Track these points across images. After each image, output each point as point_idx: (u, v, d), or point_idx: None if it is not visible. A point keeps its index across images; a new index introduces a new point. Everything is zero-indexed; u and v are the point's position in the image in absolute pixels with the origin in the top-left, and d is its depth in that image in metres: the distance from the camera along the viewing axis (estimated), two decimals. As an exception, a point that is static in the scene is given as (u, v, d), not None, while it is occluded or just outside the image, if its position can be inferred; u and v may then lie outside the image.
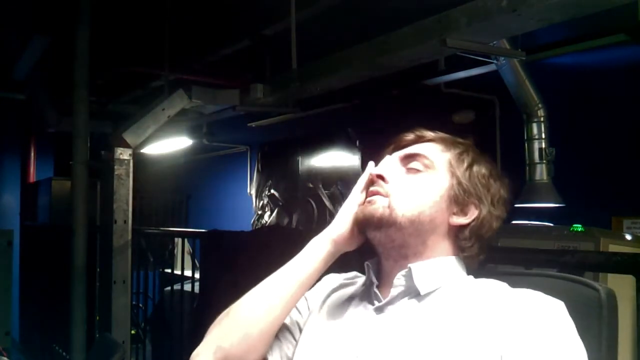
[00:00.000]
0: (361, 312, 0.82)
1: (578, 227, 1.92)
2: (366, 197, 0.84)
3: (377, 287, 0.82)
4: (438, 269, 0.79)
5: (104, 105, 3.94)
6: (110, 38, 3.06)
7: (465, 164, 0.82)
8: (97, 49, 2.63)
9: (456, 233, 0.81)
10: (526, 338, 0.66)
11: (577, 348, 0.67)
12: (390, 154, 0.87)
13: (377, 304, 0.80)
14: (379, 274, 0.84)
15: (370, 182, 0.85)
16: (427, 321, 0.73)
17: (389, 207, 0.79)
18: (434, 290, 0.77)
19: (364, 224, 0.82)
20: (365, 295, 0.85)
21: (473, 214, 0.81)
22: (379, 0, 2.48)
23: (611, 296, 0.78)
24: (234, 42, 3.17)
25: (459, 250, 0.82)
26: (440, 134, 0.87)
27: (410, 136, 0.87)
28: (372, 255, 0.86)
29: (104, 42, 2.94)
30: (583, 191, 2.77)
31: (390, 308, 0.79)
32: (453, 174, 0.81)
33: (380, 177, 0.82)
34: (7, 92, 3.98)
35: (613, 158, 2.77)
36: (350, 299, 0.86)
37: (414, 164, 0.82)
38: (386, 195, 0.81)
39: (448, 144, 0.84)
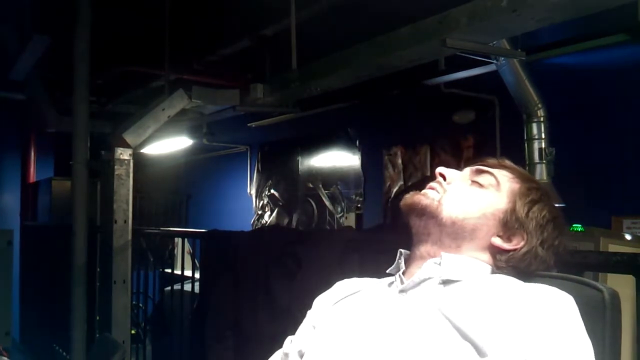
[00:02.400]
0: (383, 292, 0.85)
1: (578, 227, 1.93)
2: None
3: (403, 273, 0.85)
4: (467, 264, 0.81)
5: (104, 105, 3.95)
6: (110, 38, 3.06)
7: (529, 199, 0.84)
8: (97, 49, 2.63)
9: (494, 253, 0.83)
10: (534, 333, 0.68)
11: (583, 342, 0.69)
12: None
13: (401, 286, 0.82)
14: (406, 266, 0.87)
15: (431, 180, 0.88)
16: (446, 307, 0.75)
17: (438, 201, 0.83)
18: (456, 281, 0.79)
19: (408, 209, 0.85)
20: (388, 281, 0.87)
21: (517, 244, 0.82)
22: (378, 1, 2.48)
23: (615, 297, 0.79)
24: (234, 42, 3.17)
25: (493, 261, 0.84)
26: (521, 169, 0.90)
27: (492, 160, 0.89)
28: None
29: (104, 41, 2.94)
30: (583, 191, 2.77)
31: (412, 292, 0.81)
32: (513, 202, 0.83)
33: (442, 175, 0.86)
34: (6, 92, 3.99)
35: (613, 158, 2.78)
36: (370, 286, 0.89)
37: (480, 179, 0.85)
38: (439, 192, 0.84)
39: (522, 177, 0.87)
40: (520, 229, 0.82)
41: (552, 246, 0.84)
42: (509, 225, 0.82)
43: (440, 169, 0.87)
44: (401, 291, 0.81)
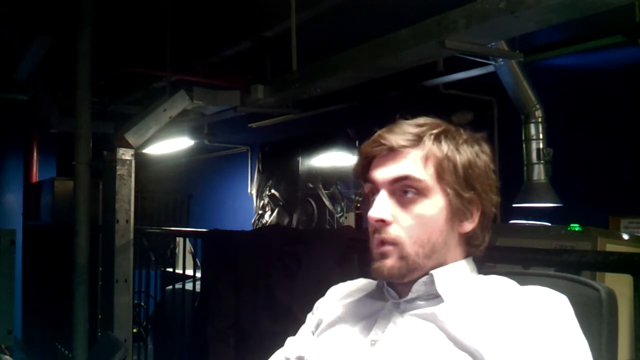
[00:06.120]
0: (378, 307, 0.84)
1: (575, 226, 1.93)
2: (375, 245, 0.80)
3: (394, 289, 0.85)
4: (456, 273, 0.80)
5: (106, 106, 3.95)
6: (113, 39, 3.08)
7: (456, 164, 0.79)
8: (99, 50, 2.64)
9: (466, 237, 0.82)
10: (529, 335, 0.68)
11: (579, 342, 0.69)
12: (365, 169, 0.83)
13: (394, 300, 0.83)
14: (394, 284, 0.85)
15: (373, 228, 0.81)
16: (441, 320, 0.75)
17: (402, 257, 0.78)
18: (448, 293, 0.79)
19: (385, 279, 0.83)
20: (380, 294, 0.87)
21: (477, 214, 0.81)
22: (378, 2, 2.49)
23: (611, 296, 0.79)
24: (235, 44, 3.18)
25: (471, 247, 0.83)
26: (409, 130, 0.81)
27: (382, 150, 0.81)
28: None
29: (106, 43, 2.96)
30: (580, 191, 2.79)
31: (408, 305, 0.81)
32: (449, 186, 0.78)
33: (382, 221, 0.79)
34: (9, 93, 4.00)
35: (610, 158, 2.79)
36: (363, 298, 0.89)
37: (407, 191, 0.79)
38: (395, 242, 0.78)
39: (425, 143, 0.79)
40: (472, 204, 0.80)
41: (493, 182, 0.82)
42: (461, 210, 0.79)
43: (374, 214, 0.79)
44: (395, 308, 0.82)
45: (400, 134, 0.80)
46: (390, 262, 0.78)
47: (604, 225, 2.69)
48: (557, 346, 0.67)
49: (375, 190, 0.81)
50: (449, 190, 0.78)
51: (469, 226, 0.81)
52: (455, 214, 0.79)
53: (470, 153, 0.80)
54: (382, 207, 0.79)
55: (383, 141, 0.80)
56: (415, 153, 0.79)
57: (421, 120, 0.83)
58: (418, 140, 0.80)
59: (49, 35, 2.80)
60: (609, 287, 0.81)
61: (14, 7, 2.86)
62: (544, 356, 0.66)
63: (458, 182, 0.78)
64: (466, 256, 0.84)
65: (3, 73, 3.57)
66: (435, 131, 0.81)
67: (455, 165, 0.79)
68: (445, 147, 0.79)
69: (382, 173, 0.80)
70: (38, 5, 2.82)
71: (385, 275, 0.79)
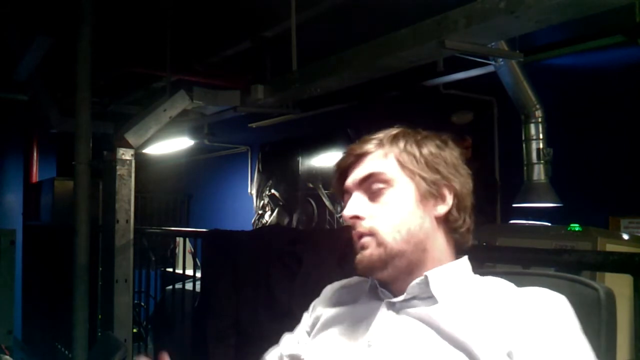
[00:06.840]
0: (374, 307, 0.85)
1: (575, 226, 1.94)
2: (355, 241, 0.84)
3: (388, 290, 0.85)
4: (450, 273, 0.81)
5: (106, 106, 3.95)
6: (113, 39, 3.08)
7: (415, 155, 0.83)
8: (99, 50, 2.64)
9: (444, 220, 0.84)
10: (530, 336, 0.69)
11: (580, 342, 0.69)
12: (340, 182, 0.88)
13: (389, 300, 0.83)
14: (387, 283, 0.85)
15: (351, 226, 0.84)
16: (436, 321, 0.75)
17: (380, 244, 0.81)
18: (443, 294, 0.79)
19: (369, 272, 0.84)
20: (375, 294, 0.87)
21: (450, 195, 0.83)
22: (378, 2, 2.49)
23: (610, 296, 0.80)
24: (235, 44, 3.19)
25: (453, 231, 0.84)
26: (372, 138, 0.87)
27: (350, 158, 0.87)
28: None
29: (106, 43, 2.96)
30: (580, 191, 2.79)
31: (403, 305, 0.81)
32: (412, 173, 0.82)
33: (356, 217, 0.83)
34: (9, 93, 4.00)
35: (610, 158, 2.79)
36: (359, 298, 0.89)
37: (373, 186, 0.83)
38: (371, 233, 0.81)
39: (385, 145, 0.85)
40: (440, 185, 0.82)
41: (459, 164, 0.86)
42: (431, 193, 0.82)
43: (348, 212, 0.83)
44: (390, 308, 0.82)
45: (365, 142, 0.87)
46: (369, 252, 0.81)
47: (604, 225, 2.69)
48: (561, 346, 0.67)
49: (349, 197, 0.86)
50: (413, 175, 0.82)
51: (443, 208, 0.83)
52: (425, 196, 0.82)
53: (430, 145, 0.85)
54: (354, 205, 0.84)
55: (351, 152, 0.87)
56: (376, 153, 0.85)
57: (385, 129, 0.89)
58: (379, 143, 0.86)
59: (49, 35, 2.80)
60: (607, 287, 0.81)
61: (14, 7, 2.86)
62: (547, 356, 0.67)
63: (420, 167, 0.83)
64: (456, 249, 0.85)
65: (3, 73, 3.56)
66: (393, 133, 0.87)
67: (415, 156, 0.84)
68: (403, 144, 0.85)
69: (352, 178, 0.86)
70: (38, 5, 2.82)
71: (366, 265, 0.81)
